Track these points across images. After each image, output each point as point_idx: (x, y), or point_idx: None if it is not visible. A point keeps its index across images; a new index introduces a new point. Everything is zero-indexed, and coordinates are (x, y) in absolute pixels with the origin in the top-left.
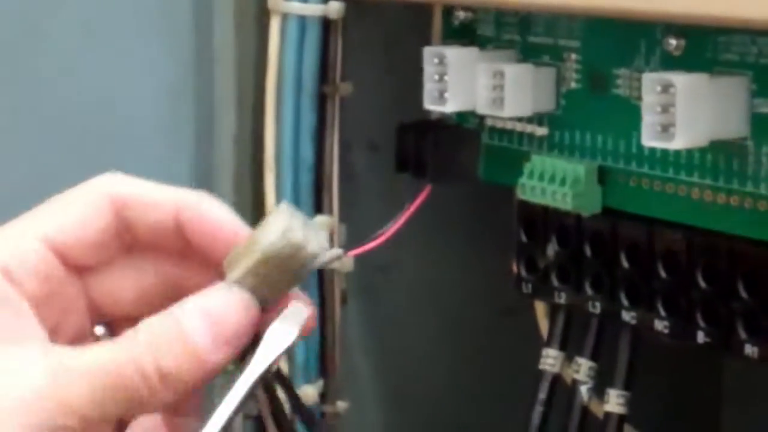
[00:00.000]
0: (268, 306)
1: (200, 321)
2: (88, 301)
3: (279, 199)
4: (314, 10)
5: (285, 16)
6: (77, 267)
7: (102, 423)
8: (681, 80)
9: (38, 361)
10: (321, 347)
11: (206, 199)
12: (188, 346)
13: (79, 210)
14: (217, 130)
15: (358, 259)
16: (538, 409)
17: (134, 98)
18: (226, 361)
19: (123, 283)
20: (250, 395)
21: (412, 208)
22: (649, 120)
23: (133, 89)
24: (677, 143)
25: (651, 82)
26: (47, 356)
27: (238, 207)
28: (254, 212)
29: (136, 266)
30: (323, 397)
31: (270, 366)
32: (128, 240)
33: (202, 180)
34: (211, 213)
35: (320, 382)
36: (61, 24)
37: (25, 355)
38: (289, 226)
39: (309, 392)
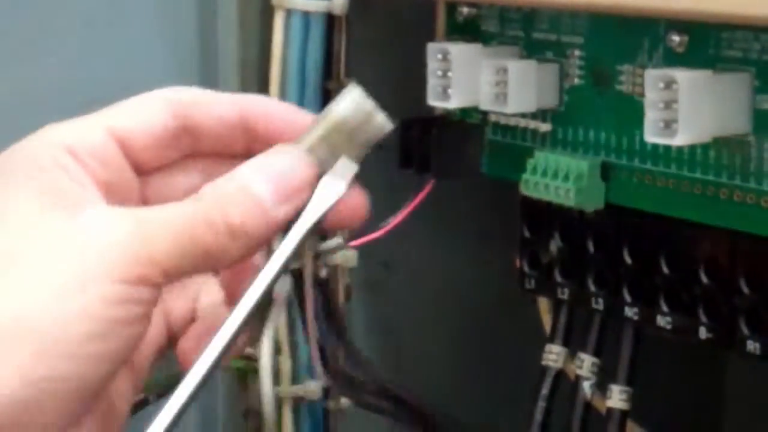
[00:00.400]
0: None
1: (264, 176)
2: (143, 200)
3: None
4: (318, 5)
5: (289, 12)
6: (137, 164)
7: (176, 281)
8: (684, 76)
9: (118, 216)
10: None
11: (273, 100)
12: (253, 199)
13: (141, 109)
14: None
15: (362, 254)
16: (541, 405)
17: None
18: (288, 217)
19: (178, 186)
20: (302, 244)
21: (415, 202)
22: (651, 116)
23: (137, 85)
24: (680, 139)
25: (654, 78)
26: (125, 213)
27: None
28: None
29: (193, 171)
30: (327, 392)
31: (322, 216)
32: (188, 144)
33: None
34: (280, 111)
35: (324, 378)
36: (64, 20)
37: (103, 212)
38: (361, 97)
39: (313, 388)
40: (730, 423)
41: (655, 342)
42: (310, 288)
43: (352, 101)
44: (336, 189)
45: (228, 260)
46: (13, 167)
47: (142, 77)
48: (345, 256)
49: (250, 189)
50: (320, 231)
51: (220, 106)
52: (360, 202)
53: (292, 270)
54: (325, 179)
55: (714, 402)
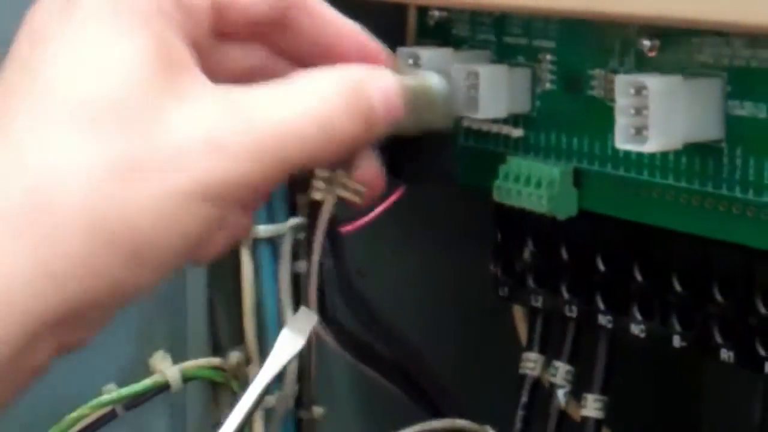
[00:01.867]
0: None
1: (380, 91)
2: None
3: None
4: None
5: None
6: (218, 32)
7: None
8: (654, 82)
9: (233, 112)
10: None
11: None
12: (373, 114)
13: None
14: None
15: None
16: (520, 413)
17: None
18: (380, 134)
19: (238, 61)
20: (261, 398)
21: (384, 206)
22: (622, 122)
23: None
24: (650, 146)
25: (624, 84)
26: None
27: None
28: None
29: (240, 49)
30: (299, 402)
31: (281, 368)
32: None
33: None
34: (323, 13)
35: (296, 388)
36: None
37: (215, 98)
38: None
39: (284, 398)
40: (708, 423)
41: (633, 349)
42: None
43: (446, 84)
44: (296, 343)
45: (325, 161)
46: (117, 6)
47: None
48: None
49: (371, 99)
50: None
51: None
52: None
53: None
54: (285, 332)
55: (692, 409)
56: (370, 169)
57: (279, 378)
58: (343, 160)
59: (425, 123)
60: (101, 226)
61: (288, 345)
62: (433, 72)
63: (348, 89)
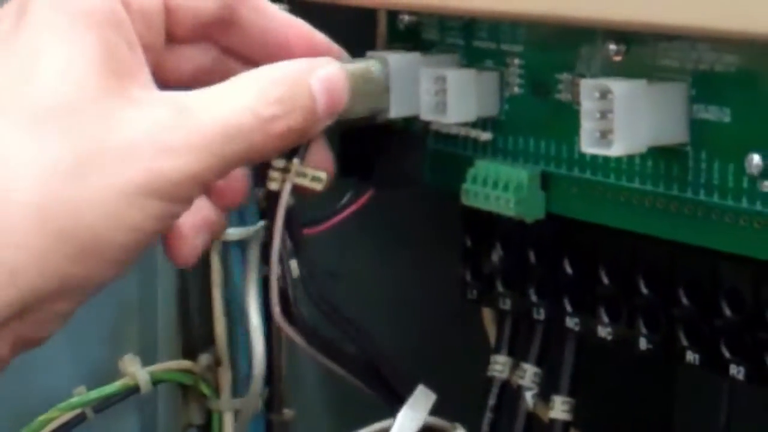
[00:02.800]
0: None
1: (321, 81)
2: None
3: None
4: None
5: None
6: (169, 35)
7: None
8: (619, 86)
9: (172, 114)
10: (266, 354)
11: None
12: (313, 104)
13: None
14: None
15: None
16: (489, 416)
17: None
18: (323, 126)
19: (189, 61)
20: None
21: (353, 208)
22: (587, 126)
23: None
24: (616, 150)
25: (589, 88)
26: (178, 109)
27: None
28: None
29: (192, 50)
30: (269, 404)
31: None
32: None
33: None
34: (268, 10)
35: (265, 390)
36: None
37: (156, 102)
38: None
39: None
40: (681, 425)
41: (603, 350)
42: (284, 206)
43: (383, 68)
44: (417, 418)
45: (269, 154)
46: (67, 12)
47: None
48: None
49: (313, 93)
50: None
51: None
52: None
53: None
54: (405, 410)
55: (663, 411)
56: (323, 155)
57: (246, 381)
58: (295, 150)
59: (369, 107)
60: (52, 221)
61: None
62: (371, 58)
63: (287, 81)
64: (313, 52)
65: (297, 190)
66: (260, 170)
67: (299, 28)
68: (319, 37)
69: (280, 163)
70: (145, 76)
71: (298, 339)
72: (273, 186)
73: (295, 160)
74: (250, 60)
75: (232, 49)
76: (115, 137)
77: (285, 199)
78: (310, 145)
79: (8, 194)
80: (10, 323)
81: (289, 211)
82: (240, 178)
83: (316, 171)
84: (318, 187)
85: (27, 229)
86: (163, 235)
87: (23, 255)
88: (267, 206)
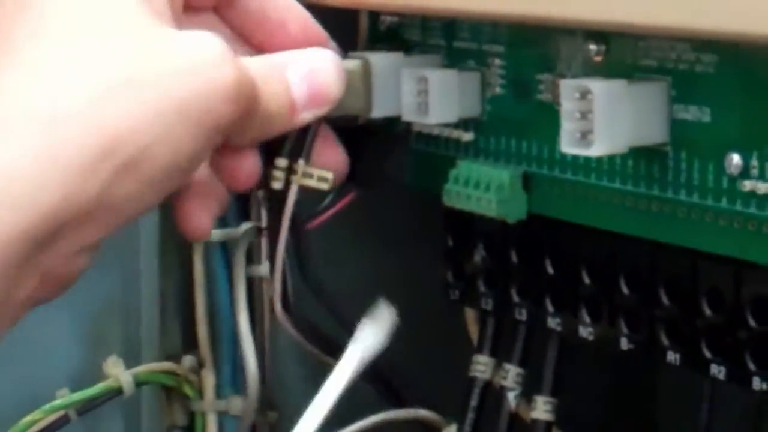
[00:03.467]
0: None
1: (303, 79)
2: None
3: None
4: None
5: None
6: None
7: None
8: (599, 86)
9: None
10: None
11: None
12: (290, 98)
13: None
14: None
15: None
16: (470, 417)
17: None
18: (310, 119)
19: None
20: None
21: (335, 209)
22: (568, 127)
23: None
24: (596, 150)
25: (569, 88)
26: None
27: (162, 215)
28: None
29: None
30: None
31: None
32: None
33: None
34: None
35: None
36: None
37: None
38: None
39: (237, 402)
40: (664, 425)
41: (587, 350)
42: (291, 206)
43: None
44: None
45: (246, 143)
46: None
47: None
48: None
49: (290, 87)
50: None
51: None
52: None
53: (273, 191)
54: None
55: (646, 411)
56: (332, 152)
57: (242, 384)
58: (300, 149)
59: (347, 108)
60: (97, 136)
61: (370, 338)
62: (352, 59)
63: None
64: (309, 41)
65: (303, 190)
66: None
67: (298, 15)
68: (316, 29)
69: (282, 162)
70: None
71: (299, 337)
72: (276, 185)
73: (301, 161)
74: (249, 42)
75: (231, 28)
76: (168, 59)
77: (292, 201)
78: (314, 144)
79: (60, 108)
80: (36, 255)
81: (296, 211)
82: (253, 161)
83: (322, 171)
84: (325, 186)
85: (74, 141)
86: (176, 209)
87: (68, 165)
88: (270, 206)
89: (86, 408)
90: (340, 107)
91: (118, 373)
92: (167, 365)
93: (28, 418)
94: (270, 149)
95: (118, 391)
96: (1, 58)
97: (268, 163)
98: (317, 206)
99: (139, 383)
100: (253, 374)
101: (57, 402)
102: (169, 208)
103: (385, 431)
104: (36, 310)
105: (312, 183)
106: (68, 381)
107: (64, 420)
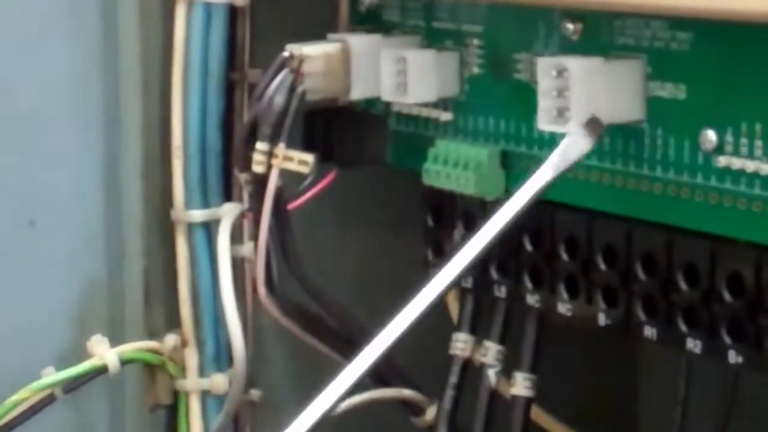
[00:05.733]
0: None
1: None
2: None
3: (187, 187)
4: None
5: (191, 3)
6: None
7: None
8: (575, 64)
9: None
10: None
11: None
12: None
13: None
14: (124, 117)
15: None
16: (450, 393)
17: (39, 87)
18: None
19: None
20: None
21: (317, 189)
22: (544, 104)
23: (38, 78)
24: (572, 127)
25: (546, 66)
26: None
27: (147, 196)
28: (163, 201)
29: None
30: None
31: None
32: None
33: (111, 170)
34: None
35: (231, 370)
36: None
37: None
38: None
39: (219, 381)
40: (644, 405)
41: (567, 327)
42: (273, 189)
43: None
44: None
45: None
46: None
47: (43, 70)
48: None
49: None
50: None
51: None
52: None
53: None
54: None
55: (626, 385)
56: None
57: (212, 361)
58: (278, 133)
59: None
60: None
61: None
62: (332, 41)
63: None
64: None
65: (285, 173)
66: (243, 153)
67: None
68: None
69: (263, 146)
70: None
71: (282, 318)
72: (258, 169)
73: (281, 144)
74: None
75: None
76: None
77: (273, 184)
78: (293, 128)
79: None
80: None
81: (277, 193)
82: None
83: (302, 154)
84: (305, 170)
85: None
86: None
87: None
88: (254, 189)
89: (72, 386)
90: (320, 90)
91: (102, 351)
92: (151, 344)
93: (14, 397)
94: (251, 133)
95: (102, 370)
96: None
97: (250, 147)
98: (299, 186)
99: (123, 361)
100: (240, 353)
101: (43, 381)
102: (151, 187)
103: (370, 411)
104: (22, 291)
105: (292, 166)
106: (54, 360)
107: (50, 398)
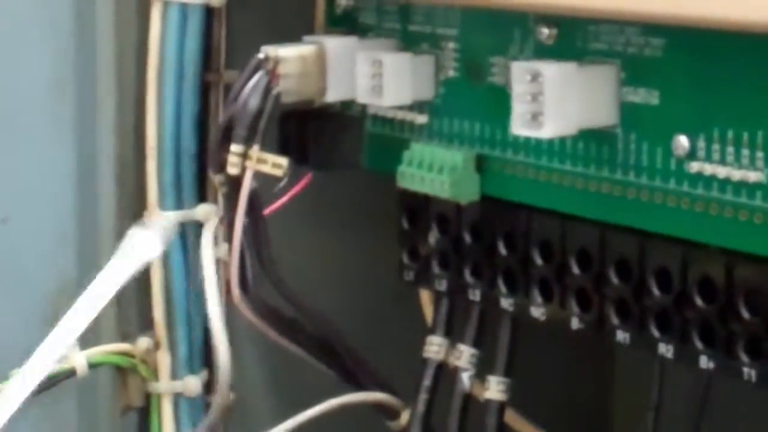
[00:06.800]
0: None
1: None
2: None
3: (161, 188)
4: None
5: (166, 4)
6: None
7: None
8: (549, 69)
9: None
10: (205, 337)
11: None
12: None
13: None
14: (98, 119)
15: None
16: (423, 397)
17: (13, 88)
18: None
19: None
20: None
21: (292, 192)
22: (519, 109)
23: (12, 79)
24: (546, 132)
25: (520, 71)
26: None
27: (120, 196)
28: (137, 202)
29: None
30: (208, 387)
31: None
32: None
33: (85, 169)
34: None
35: (204, 373)
36: None
37: None
38: None
39: (192, 383)
40: (618, 409)
41: (542, 331)
42: (247, 191)
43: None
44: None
45: None
46: None
47: (17, 71)
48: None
49: None
50: None
51: None
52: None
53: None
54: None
55: (601, 389)
56: None
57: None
58: (252, 135)
59: (302, 92)
60: None
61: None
62: (307, 43)
63: None
64: None
65: (259, 175)
66: (217, 155)
67: None
68: None
69: (238, 148)
70: None
71: (256, 320)
72: (233, 171)
73: (255, 147)
74: None
75: None
76: None
77: (247, 186)
78: (267, 130)
79: None
80: None
81: (252, 195)
82: None
83: (276, 157)
84: (279, 172)
85: None
86: None
87: None
88: (228, 191)
89: (40, 389)
90: (295, 92)
91: (72, 354)
92: (122, 346)
93: None
94: (226, 135)
95: (71, 373)
96: None
97: (224, 149)
98: (274, 188)
99: (92, 365)
100: (225, 357)
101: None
102: (126, 188)
103: (345, 414)
104: None
105: (266, 168)
106: (22, 361)
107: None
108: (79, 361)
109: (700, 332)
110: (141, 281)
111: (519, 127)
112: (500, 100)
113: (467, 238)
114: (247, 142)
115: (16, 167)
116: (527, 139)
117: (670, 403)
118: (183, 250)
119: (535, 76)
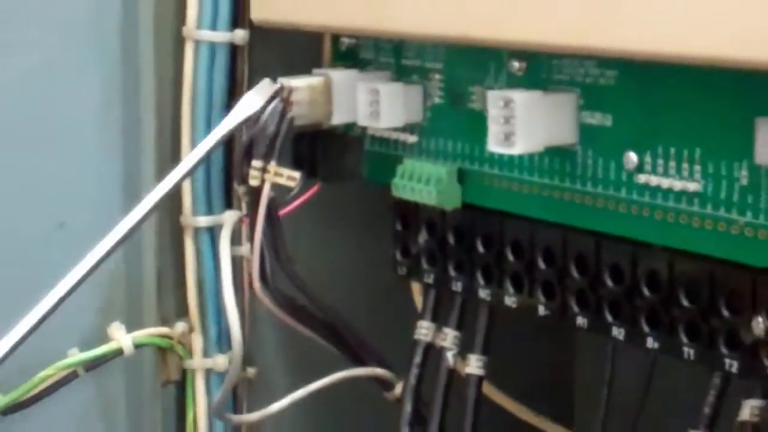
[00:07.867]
0: None
1: None
2: None
3: (194, 196)
4: (223, 37)
5: (198, 43)
6: None
7: None
8: (519, 96)
9: None
10: None
11: None
12: None
13: None
14: (141, 136)
15: None
16: (414, 372)
17: (73, 108)
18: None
19: None
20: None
21: (302, 200)
22: (494, 129)
23: (68, 99)
24: (517, 149)
25: (495, 98)
26: None
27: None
28: (173, 207)
29: None
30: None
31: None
32: None
33: (131, 178)
34: None
35: (231, 352)
36: None
37: None
38: None
39: (221, 360)
40: (579, 384)
41: (515, 317)
42: (266, 200)
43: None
44: (254, 105)
45: None
46: None
47: (76, 92)
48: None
49: None
50: None
51: None
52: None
53: (250, 187)
54: (247, 96)
55: (566, 363)
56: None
57: (215, 344)
58: (270, 152)
59: (312, 116)
60: None
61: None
62: (317, 75)
63: None
64: None
65: (276, 186)
66: (240, 169)
67: None
68: None
69: (258, 163)
70: None
71: (275, 308)
72: (253, 182)
73: (273, 162)
74: None
75: None
76: None
77: (266, 195)
78: (283, 149)
79: None
80: None
81: (270, 203)
82: None
83: (291, 171)
84: (293, 184)
85: None
86: None
87: None
88: (250, 200)
89: (92, 365)
90: (306, 116)
91: (120, 336)
92: (162, 330)
93: (42, 373)
94: (247, 152)
95: (119, 352)
96: None
97: (246, 164)
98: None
99: (137, 345)
100: (237, 337)
101: (67, 360)
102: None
103: (346, 386)
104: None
105: (282, 181)
106: (78, 343)
107: (73, 375)
108: (126, 342)
109: (647, 318)
110: (178, 274)
111: (494, 145)
112: (478, 122)
113: (451, 239)
114: (266, 158)
115: (71, 176)
116: (501, 156)
117: (622, 378)
118: (212, 249)
119: (508, 102)
